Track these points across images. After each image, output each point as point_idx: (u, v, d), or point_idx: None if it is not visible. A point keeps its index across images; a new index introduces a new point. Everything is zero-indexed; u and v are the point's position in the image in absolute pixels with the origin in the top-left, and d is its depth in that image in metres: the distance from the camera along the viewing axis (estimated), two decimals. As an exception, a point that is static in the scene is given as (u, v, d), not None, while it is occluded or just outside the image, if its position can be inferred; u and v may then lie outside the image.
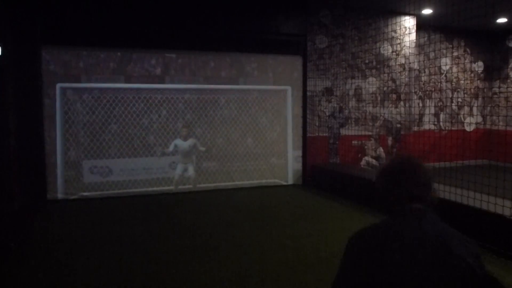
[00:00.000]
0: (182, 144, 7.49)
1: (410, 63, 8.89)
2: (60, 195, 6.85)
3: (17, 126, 6.15)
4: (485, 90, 10.76)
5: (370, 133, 8.77)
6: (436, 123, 10.23)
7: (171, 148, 7.46)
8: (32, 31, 6.37)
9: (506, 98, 10.12)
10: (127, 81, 7.21)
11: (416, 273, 1.31)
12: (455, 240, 1.37)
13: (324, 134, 8.41)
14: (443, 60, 10.02)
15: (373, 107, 8.71)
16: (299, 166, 8.36)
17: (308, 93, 8.23)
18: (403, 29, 8.81)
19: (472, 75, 10.64)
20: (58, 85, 6.82)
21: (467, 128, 10.45)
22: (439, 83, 10.22)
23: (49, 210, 6.34)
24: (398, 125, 9.01)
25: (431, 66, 10.00)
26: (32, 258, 4.35)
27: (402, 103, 8.98)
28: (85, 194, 6.98)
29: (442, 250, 1.33)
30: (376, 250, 1.36)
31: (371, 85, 8.66)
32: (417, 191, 1.48)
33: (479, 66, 10.66)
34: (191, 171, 7.60)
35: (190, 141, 7.54)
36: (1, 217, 5.05)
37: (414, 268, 1.31)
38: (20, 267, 4.12)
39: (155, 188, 7.40)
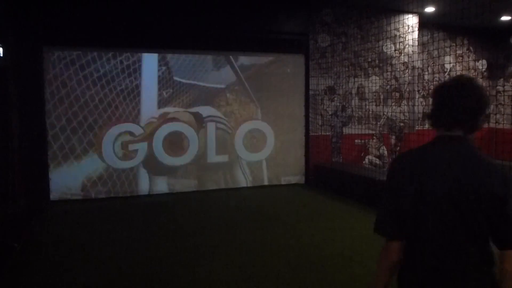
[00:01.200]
0: None
1: (413, 61, 8.85)
2: (62, 196, 6.84)
3: (19, 126, 6.16)
4: (488, 88, 10.69)
5: (373, 132, 8.74)
6: (439, 121, 10.16)
7: None
8: (33, 31, 6.37)
9: (510, 97, 10.05)
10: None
11: (442, 192, 1.43)
12: (482, 167, 1.45)
13: (327, 133, 8.38)
14: (446, 58, 9.97)
15: (376, 105, 8.68)
16: (302, 165, 8.33)
17: (311, 92, 8.20)
18: (406, 27, 8.76)
19: (476, 73, 10.57)
20: (60, 86, 6.81)
21: (471, 127, 10.37)
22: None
23: (52, 210, 6.34)
24: (401, 124, 8.97)
25: (434, 64, 9.95)
26: (35, 258, 4.36)
27: (405, 101, 8.94)
28: (88, 194, 6.97)
29: (468, 176, 1.44)
30: (409, 169, 1.50)
31: (373, 83, 8.62)
32: (460, 115, 1.48)
33: (482, 65, 10.61)
34: None
35: None
36: (5, 218, 5.06)
37: (441, 187, 1.43)
38: (23, 267, 4.13)
39: (157, 188, 7.39)
